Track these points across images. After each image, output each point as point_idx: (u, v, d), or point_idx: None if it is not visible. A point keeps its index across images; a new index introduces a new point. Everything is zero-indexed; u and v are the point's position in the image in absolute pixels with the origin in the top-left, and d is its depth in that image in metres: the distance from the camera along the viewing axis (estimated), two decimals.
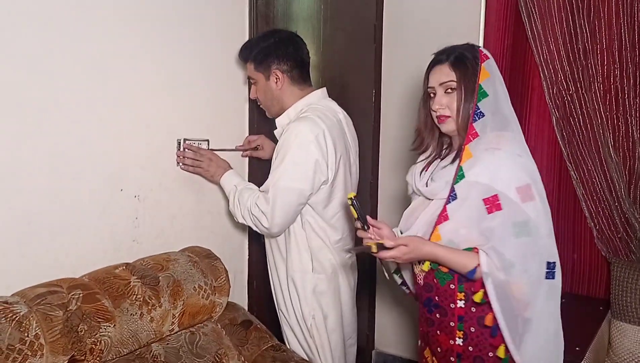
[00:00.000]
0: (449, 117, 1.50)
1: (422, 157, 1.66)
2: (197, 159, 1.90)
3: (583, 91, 2.40)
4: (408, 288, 1.77)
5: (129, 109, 1.71)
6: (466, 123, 1.47)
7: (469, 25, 2.65)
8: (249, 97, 1.97)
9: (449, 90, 1.49)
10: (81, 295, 1.42)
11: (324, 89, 1.97)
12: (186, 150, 1.89)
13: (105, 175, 1.66)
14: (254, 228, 1.85)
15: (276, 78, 1.86)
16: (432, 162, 1.62)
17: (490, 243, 1.41)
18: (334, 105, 1.96)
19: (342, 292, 1.98)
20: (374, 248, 1.39)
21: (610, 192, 2.41)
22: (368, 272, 2.94)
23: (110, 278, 1.52)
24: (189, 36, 1.89)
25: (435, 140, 1.61)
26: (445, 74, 1.49)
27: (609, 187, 2.41)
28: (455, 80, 1.48)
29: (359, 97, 2.82)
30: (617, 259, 2.40)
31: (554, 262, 1.45)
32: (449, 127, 1.52)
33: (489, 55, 1.52)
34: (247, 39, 2.08)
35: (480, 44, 2.61)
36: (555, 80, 2.45)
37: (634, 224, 2.37)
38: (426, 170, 1.62)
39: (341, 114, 1.96)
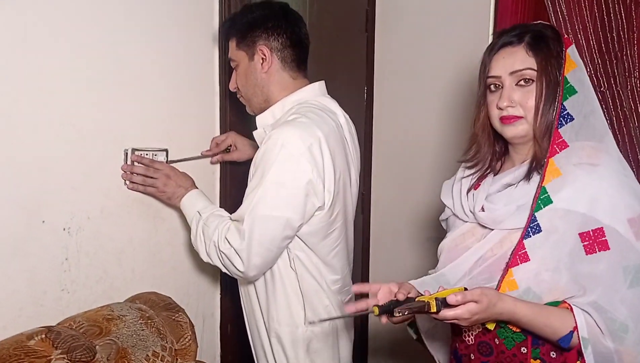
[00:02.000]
0: (521, 117, 1.19)
1: (467, 172, 1.34)
2: (149, 176, 1.54)
3: (617, 88, 2.16)
4: (425, 345, 1.43)
5: (52, 108, 1.37)
6: (546, 127, 1.18)
7: (477, 10, 2.39)
8: (229, 88, 1.66)
9: (523, 82, 1.19)
10: None
11: (322, 82, 1.61)
12: (135, 163, 1.54)
13: (19, 201, 1.31)
14: (224, 269, 1.47)
15: (262, 57, 1.51)
16: (485, 177, 1.30)
17: (591, 296, 1.11)
18: (333, 104, 1.61)
19: (341, 347, 1.62)
20: (434, 307, 1.04)
21: None
22: (359, 326, 2.65)
23: (21, 356, 1.11)
24: (141, 16, 1.58)
25: (491, 149, 1.31)
26: (520, 59, 1.19)
27: None
28: (534, 68, 1.18)
29: (348, 95, 2.51)
30: None
31: None
32: (517, 131, 1.21)
33: (571, 40, 1.24)
34: (217, 18, 1.78)
35: (490, 32, 2.37)
36: None
37: None
38: (475, 189, 1.30)
39: (342, 117, 1.60)
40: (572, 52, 1.21)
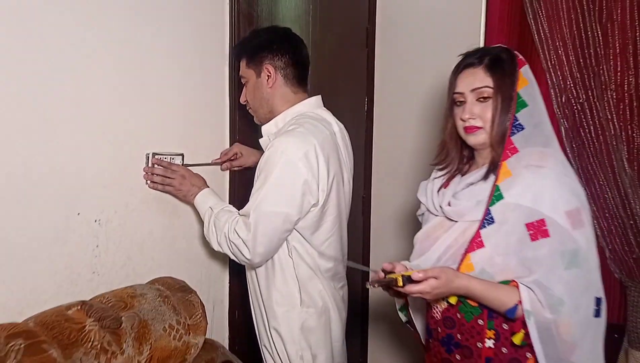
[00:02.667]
0: (481, 128, 1.35)
1: (439, 173, 1.51)
2: (167, 176, 1.71)
3: (595, 100, 2.26)
4: (414, 328, 1.58)
5: (89, 118, 1.53)
6: (501, 136, 1.33)
7: (469, 29, 2.54)
8: (239, 101, 1.80)
9: (482, 99, 1.35)
10: (23, 345, 1.19)
11: (319, 97, 1.79)
12: (155, 166, 1.70)
13: (58, 197, 1.47)
14: (232, 257, 1.65)
15: (268, 74, 1.69)
16: (453, 178, 1.46)
17: (534, 275, 1.26)
18: (328, 115, 1.77)
19: (333, 327, 1.77)
20: (400, 282, 1.22)
21: (624, 208, 2.27)
22: (360, 303, 2.79)
23: (62, 322, 1.30)
24: (161, 37, 1.72)
25: (458, 154, 1.46)
26: (479, 78, 1.35)
27: (623, 203, 2.27)
28: (491, 86, 1.33)
29: (351, 105, 2.70)
30: (633, 282, 2.24)
31: (601, 298, 1.31)
32: (478, 139, 1.37)
33: (525, 60, 1.38)
34: (227, 40, 1.93)
35: None
36: (564, 88, 2.32)
37: None
38: (445, 188, 1.46)
39: (336, 125, 1.77)
40: (525, 71, 1.35)
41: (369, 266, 2.78)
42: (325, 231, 1.69)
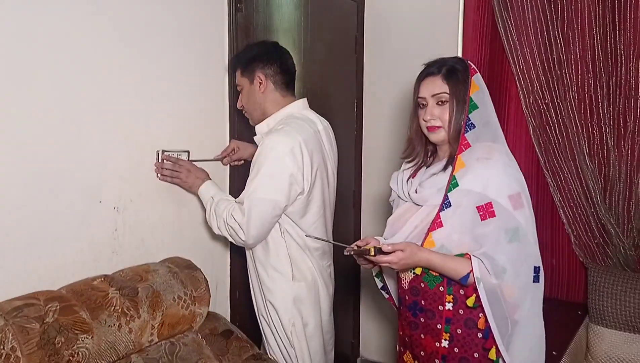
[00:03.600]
0: (440, 127, 1.55)
1: (408, 165, 1.70)
2: (175, 170, 1.91)
3: (558, 100, 2.44)
4: (388, 292, 1.80)
5: (108, 120, 1.72)
6: (457, 133, 1.52)
7: (448, 38, 2.72)
8: (237, 107, 1.99)
9: (440, 103, 1.54)
10: (58, 307, 1.41)
11: (305, 99, 1.99)
12: (165, 161, 1.90)
13: (83, 187, 1.66)
14: (230, 239, 1.87)
15: (259, 81, 1.90)
16: (419, 169, 1.66)
17: (483, 249, 1.46)
18: (313, 115, 1.98)
19: (321, 300, 2.00)
20: (372, 251, 1.42)
21: (586, 198, 2.45)
22: (352, 281, 2.95)
23: (88, 290, 1.52)
24: (169, 48, 1.90)
25: (423, 148, 1.65)
26: (438, 86, 1.53)
27: (585, 194, 2.45)
28: (447, 92, 1.52)
29: (341, 108, 2.84)
30: (594, 264, 2.44)
31: (539, 267, 1.52)
32: (438, 136, 1.56)
33: (476, 69, 1.57)
34: (226, 50, 2.11)
35: (459, 55, 2.68)
36: (531, 90, 2.50)
37: (610, 230, 2.41)
38: (413, 177, 1.65)
39: (320, 124, 1.98)
40: (476, 78, 1.54)
41: None
42: (312, 216, 1.90)
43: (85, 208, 1.68)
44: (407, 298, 1.61)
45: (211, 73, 2.09)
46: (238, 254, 2.20)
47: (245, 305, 2.21)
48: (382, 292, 1.82)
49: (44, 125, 1.55)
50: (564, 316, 2.38)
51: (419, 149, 1.66)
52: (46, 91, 1.55)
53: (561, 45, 2.42)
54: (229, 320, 2.16)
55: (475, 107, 1.52)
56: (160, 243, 1.93)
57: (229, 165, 2.19)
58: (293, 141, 1.80)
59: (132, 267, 1.72)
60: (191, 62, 2.00)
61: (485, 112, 1.54)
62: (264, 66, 1.89)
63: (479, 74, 1.57)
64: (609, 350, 2.26)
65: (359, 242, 1.53)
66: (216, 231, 1.88)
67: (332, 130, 2.05)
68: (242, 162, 2.14)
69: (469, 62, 1.59)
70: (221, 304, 2.20)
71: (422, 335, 1.58)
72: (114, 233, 1.77)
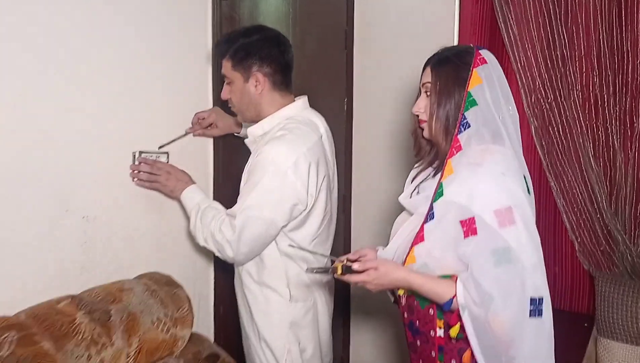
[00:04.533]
0: (425, 121, 1.40)
1: (417, 163, 1.54)
2: (153, 173, 1.74)
3: (562, 99, 2.35)
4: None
5: (77, 118, 1.59)
6: (440, 131, 1.36)
7: (443, 31, 2.60)
8: (221, 97, 1.78)
9: (427, 93, 1.40)
10: (15, 337, 1.24)
11: (305, 98, 1.81)
12: (141, 164, 1.74)
13: (48, 193, 1.53)
14: (217, 254, 1.70)
15: (256, 81, 1.68)
16: (425, 169, 1.49)
17: (469, 271, 1.28)
18: (314, 116, 1.80)
19: (320, 320, 1.82)
20: (339, 270, 1.27)
21: (591, 203, 2.37)
22: (342, 291, 2.81)
23: (52, 315, 1.36)
24: (146, 38, 1.77)
25: (429, 146, 1.47)
26: (427, 73, 1.40)
27: (590, 198, 2.37)
28: (430, 82, 1.38)
29: (330, 105, 2.73)
30: (600, 273, 2.34)
31: (541, 298, 1.28)
32: (425, 132, 1.42)
33: (489, 59, 1.37)
34: (210, 42, 1.98)
35: None
36: (533, 88, 2.41)
37: (617, 236, 2.32)
38: (416, 179, 1.50)
39: (322, 127, 1.80)
40: (481, 70, 1.34)
41: None
42: (312, 230, 1.73)
43: (50, 218, 1.54)
44: (405, 315, 1.45)
45: (193, 66, 1.96)
46: (223, 266, 2.04)
47: (232, 321, 2.04)
48: (395, 304, 1.60)
49: (2, 123, 1.41)
50: (570, 328, 2.26)
51: (423, 144, 1.48)
52: (5, 86, 1.40)
53: (565, 41, 2.32)
54: (212, 338, 2.05)
55: (474, 103, 1.33)
56: (136, 257, 1.78)
57: (212, 162, 2.04)
58: (297, 153, 1.62)
59: (104, 286, 1.57)
60: (171, 54, 1.87)
61: (487, 109, 1.34)
62: (262, 64, 1.67)
63: (489, 65, 1.37)
64: None
65: (350, 255, 1.39)
66: (201, 243, 1.70)
67: (331, 136, 1.88)
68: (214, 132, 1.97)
69: (481, 51, 1.39)
70: (204, 321, 2.06)
71: (420, 361, 1.43)
72: (83, 246, 1.62)
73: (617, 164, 2.28)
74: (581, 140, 2.32)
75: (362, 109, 2.86)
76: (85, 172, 1.60)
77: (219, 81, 1.91)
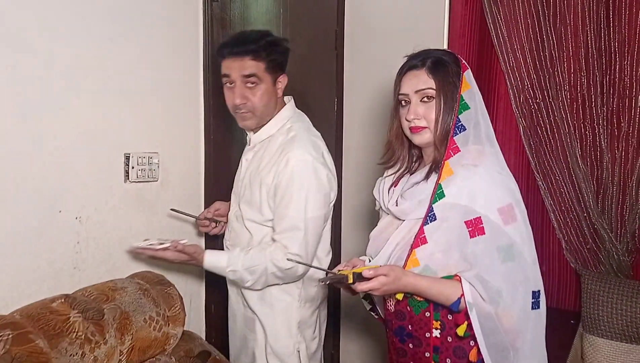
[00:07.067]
0: (425, 128, 1.39)
1: (390, 171, 1.54)
2: (160, 257, 1.67)
3: (550, 99, 2.37)
4: (378, 314, 1.66)
5: (70, 120, 1.61)
6: (444, 135, 1.37)
7: (433, 32, 2.60)
8: (235, 102, 1.69)
9: (426, 99, 1.38)
10: (11, 335, 1.26)
11: (292, 97, 1.84)
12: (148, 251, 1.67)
13: (41, 194, 1.54)
14: (284, 282, 1.70)
15: (282, 85, 1.75)
16: (402, 176, 1.50)
17: (475, 270, 1.31)
18: (304, 115, 1.84)
19: (321, 320, 1.87)
20: (350, 279, 1.27)
21: (578, 202, 2.38)
22: (332, 297, 2.83)
23: (46, 314, 1.37)
24: (138, 40, 1.79)
25: (406, 153, 1.49)
26: (423, 80, 1.37)
27: (577, 198, 2.38)
28: (434, 88, 1.37)
29: (320, 106, 2.74)
30: (587, 271, 2.37)
31: (539, 291, 1.35)
32: (423, 139, 1.40)
33: (467, 65, 1.42)
34: (201, 43, 2.01)
35: None
36: (521, 88, 2.42)
37: (603, 235, 2.35)
38: (395, 186, 1.50)
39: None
40: (467, 75, 1.38)
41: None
42: (327, 242, 1.80)
43: (43, 219, 1.55)
44: (393, 322, 1.47)
45: (184, 68, 1.98)
46: None
47: (223, 320, 2.05)
48: (372, 313, 1.68)
49: None
50: (556, 325, 2.27)
51: (400, 153, 1.50)
52: (2, 90, 1.42)
53: (553, 42, 2.34)
54: (204, 337, 2.06)
55: (466, 107, 1.37)
56: (128, 257, 1.80)
57: (203, 167, 2.06)
58: (319, 151, 1.72)
59: (96, 285, 1.59)
60: (162, 55, 1.88)
61: (477, 112, 1.39)
62: (285, 67, 1.75)
63: (470, 70, 1.42)
64: (605, 362, 2.18)
65: (340, 266, 1.39)
66: (259, 287, 1.69)
67: None
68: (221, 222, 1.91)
69: (459, 56, 1.44)
70: (195, 320, 2.08)
71: None
72: (76, 247, 1.64)
73: (604, 164, 2.29)
74: (569, 140, 2.34)
75: (352, 109, 2.86)
76: (78, 174, 1.62)
77: (210, 82, 1.94)
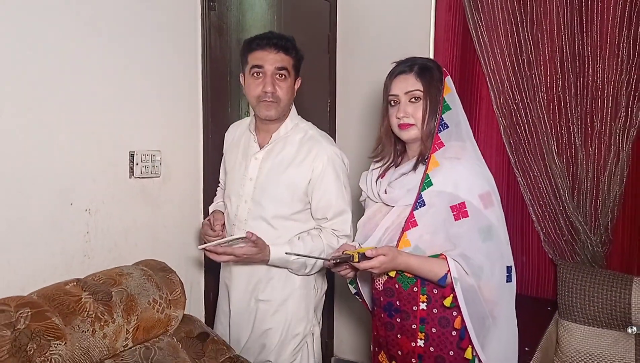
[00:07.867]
0: (413, 125, 1.55)
1: (376, 165, 1.70)
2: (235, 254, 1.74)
3: (528, 100, 2.50)
4: (361, 297, 1.80)
5: (79, 120, 1.68)
6: (429, 132, 1.53)
7: (420, 37, 2.74)
8: (267, 90, 1.76)
9: (414, 100, 1.54)
10: (29, 313, 1.37)
11: None
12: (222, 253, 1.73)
13: (54, 189, 1.63)
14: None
15: (296, 86, 1.88)
16: (389, 169, 1.66)
17: (458, 249, 1.47)
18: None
19: (322, 304, 2.02)
20: (356, 258, 1.42)
21: (555, 197, 2.50)
22: (327, 281, 2.94)
23: (61, 295, 1.48)
24: (141, 46, 1.87)
25: (393, 148, 1.65)
26: (411, 83, 1.54)
27: (554, 192, 2.50)
28: (421, 90, 1.53)
29: (314, 107, 2.83)
30: (563, 261, 2.49)
31: (511, 267, 1.53)
32: (410, 135, 1.56)
33: (447, 72, 1.59)
34: (199, 49, 2.09)
35: (431, 55, 2.72)
36: (501, 90, 2.54)
37: (578, 227, 2.47)
38: (382, 178, 1.65)
39: None
40: (448, 80, 1.56)
41: None
42: None
43: (56, 211, 1.64)
44: (381, 299, 1.62)
45: (184, 73, 2.06)
46: None
47: None
48: (356, 297, 1.82)
49: (12, 125, 1.51)
50: (535, 312, 2.43)
51: (388, 148, 1.66)
52: (14, 90, 1.51)
53: (531, 47, 2.47)
54: (203, 322, 2.13)
55: (448, 108, 1.55)
56: (133, 246, 1.89)
57: (202, 154, 2.16)
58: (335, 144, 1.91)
59: (105, 271, 1.68)
60: (164, 60, 1.97)
61: (457, 113, 1.56)
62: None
63: (449, 76, 1.60)
64: (578, 345, 2.32)
65: (335, 253, 1.54)
66: (313, 272, 1.88)
67: None
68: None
69: (439, 64, 1.61)
70: (195, 306, 2.18)
71: (398, 336, 1.59)
72: (86, 236, 1.73)
73: (579, 161, 2.43)
74: (545, 139, 2.47)
75: (344, 110, 2.98)
76: (87, 170, 1.71)
77: (207, 87, 2.03)
